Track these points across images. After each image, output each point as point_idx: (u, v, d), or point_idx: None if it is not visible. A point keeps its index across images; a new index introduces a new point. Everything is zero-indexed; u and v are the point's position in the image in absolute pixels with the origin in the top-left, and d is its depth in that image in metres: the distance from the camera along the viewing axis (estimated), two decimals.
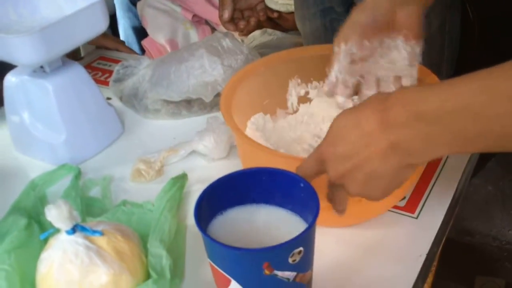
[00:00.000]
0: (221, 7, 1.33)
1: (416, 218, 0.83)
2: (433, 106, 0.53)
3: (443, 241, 0.86)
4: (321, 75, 0.84)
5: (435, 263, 1.03)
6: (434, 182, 0.88)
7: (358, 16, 0.76)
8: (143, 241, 0.77)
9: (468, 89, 0.52)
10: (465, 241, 1.81)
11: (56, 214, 0.68)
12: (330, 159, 0.62)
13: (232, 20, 1.39)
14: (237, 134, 0.77)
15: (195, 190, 0.91)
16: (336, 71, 0.78)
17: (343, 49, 0.76)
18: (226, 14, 1.29)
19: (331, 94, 0.80)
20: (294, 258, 0.57)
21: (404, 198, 0.85)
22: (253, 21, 1.34)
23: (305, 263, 0.60)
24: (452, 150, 0.58)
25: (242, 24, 1.35)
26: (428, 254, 0.77)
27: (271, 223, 0.66)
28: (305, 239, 0.58)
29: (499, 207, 1.90)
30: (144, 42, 1.79)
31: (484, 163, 1.62)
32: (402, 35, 0.74)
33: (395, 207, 0.84)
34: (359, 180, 0.60)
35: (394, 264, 0.77)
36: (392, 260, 0.77)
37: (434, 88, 0.55)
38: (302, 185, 0.63)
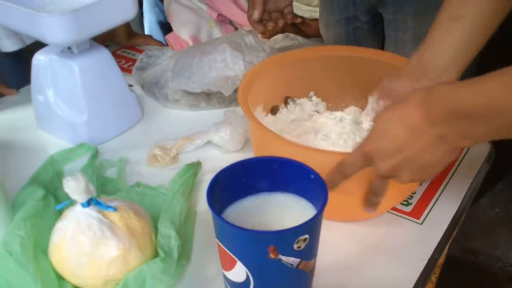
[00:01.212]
0: (251, 7, 1.35)
1: (421, 224, 0.84)
2: (466, 104, 0.60)
3: (445, 250, 0.87)
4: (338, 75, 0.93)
5: (436, 274, 1.04)
6: (441, 192, 0.89)
7: (383, 82, 0.84)
8: (154, 221, 0.79)
9: (493, 85, 0.58)
10: (469, 260, 1.82)
11: (74, 186, 0.70)
12: (378, 155, 0.68)
13: (261, 21, 1.42)
14: (252, 120, 0.79)
15: (208, 180, 0.91)
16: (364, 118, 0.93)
17: (370, 100, 0.89)
18: (256, 15, 1.31)
19: None
20: (299, 244, 0.59)
21: (410, 204, 0.87)
22: (281, 23, 1.35)
23: (310, 251, 0.62)
24: (489, 138, 0.67)
25: (270, 25, 1.36)
26: (429, 260, 0.79)
27: (283, 210, 0.68)
28: (311, 227, 0.60)
29: (505, 229, 1.90)
30: (168, 37, 1.82)
31: (493, 185, 1.63)
32: None
33: (401, 211, 0.86)
34: (412, 170, 0.67)
35: (395, 266, 0.78)
36: (394, 262, 0.79)
37: (467, 86, 0.61)
38: (312, 176, 0.64)
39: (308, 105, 0.97)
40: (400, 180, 0.69)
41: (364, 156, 0.70)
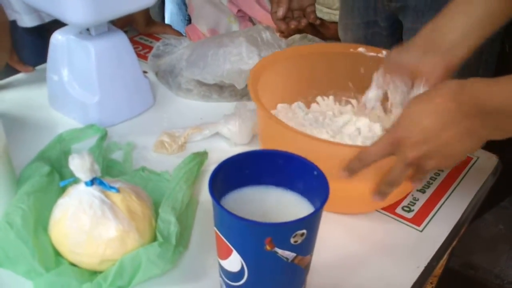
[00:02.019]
0: (275, 4, 1.34)
1: (421, 231, 0.84)
2: (497, 101, 0.64)
3: (443, 261, 0.87)
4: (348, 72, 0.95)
5: (432, 284, 1.04)
6: (444, 201, 0.89)
7: (390, 55, 0.85)
8: (156, 206, 0.80)
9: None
10: (468, 274, 1.81)
11: (79, 164, 0.71)
12: (407, 143, 0.70)
13: (284, 19, 1.41)
14: (261, 110, 0.80)
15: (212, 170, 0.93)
16: (367, 96, 0.90)
17: (375, 77, 0.88)
18: (281, 12, 1.31)
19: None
20: (296, 239, 0.59)
21: (412, 210, 0.87)
22: (304, 22, 1.35)
23: (306, 247, 0.62)
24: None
25: (293, 24, 1.36)
26: (426, 267, 0.79)
27: (282, 205, 0.68)
28: (310, 223, 0.60)
29: (507, 247, 1.89)
30: (187, 29, 1.83)
31: (498, 201, 1.62)
32: (423, 83, 0.81)
33: (403, 217, 0.86)
34: (439, 158, 0.70)
35: (391, 269, 0.78)
36: (390, 266, 0.79)
37: (498, 83, 0.64)
38: (315, 172, 0.65)
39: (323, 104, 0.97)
40: (424, 169, 0.72)
41: (392, 144, 0.71)
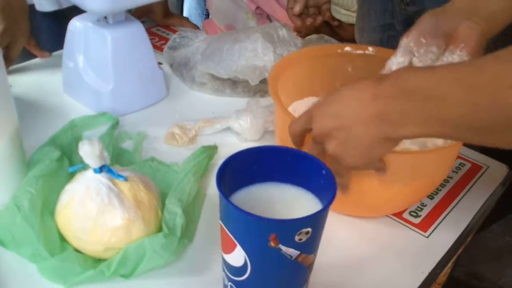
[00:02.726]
0: (292, 0, 1.34)
1: (427, 237, 0.84)
2: (413, 84, 0.59)
3: (447, 268, 0.87)
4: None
5: None
6: (452, 209, 0.89)
7: (425, 18, 0.81)
8: (163, 197, 0.80)
9: (443, 75, 0.58)
10: (472, 284, 1.80)
11: (88, 150, 0.71)
12: (318, 115, 0.67)
13: (300, 16, 1.41)
14: (279, 105, 0.80)
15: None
16: (391, 61, 0.84)
17: (403, 43, 0.83)
18: (298, 8, 1.30)
19: None
20: (301, 237, 0.59)
21: (419, 216, 0.87)
22: (319, 19, 1.34)
23: (311, 246, 0.62)
24: (421, 131, 0.61)
25: (309, 21, 1.35)
26: (430, 273, 0.78)
27: (291, 202, 0.68)
28: (315, 222, 0.60)
29: None
30: (204, 23, 1.83)
31: (506, 213, 1.61)
32: (459, 48, 0.78)
33: (409, 222, 0.86)
34: (339, 140, 0.66)
35: (394, 273, 0.78)
36: (394, 269, 0.78)
37: (425, 69, 0.60)
38: (324, 172, 0.64)
39: None
40: (326, 148, 0.68)
41: (307, 115, 0.69)
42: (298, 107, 0.92)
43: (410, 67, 0.61)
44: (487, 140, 0.59)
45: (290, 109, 0.92)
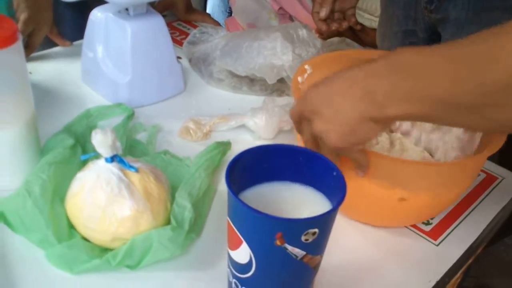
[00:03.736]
0: (318, 5, 1.33)
1: (437, 246, 0.83)
2: (401, 59, 0.59)
3: (456, 279, 0.86)
4: None
5: None
6: (464, 218, 0.88)
7: None
8: (173, 191, 0.80)
9: (431, 50, 0.57)
10: None
11: (101, 140, 0.71)
12: (310, 94, 0.67)
13: (325, 20, 1.40)
14: None
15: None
16: None
17: None
18: (324, 13, 1.29)
19: None
20: (307, 237, 0.59)
21: (431, 223, 0.86)
22: (345, 25, 1.34)
23: (317, 247, 0.61)
24: (404, 110, 0.60)
25: (334, 26, 1.35)
26: (437, 282, 0.77)
27: (301, 202, 0.67)
28: (322, 223, 0.59)
29: None
30: (227, 21, 1.84)
31: None
32: None
33: (420, 229, 0.85)
34: (326, 117, 0.65)
35: (402, 280, 0.77)
36: (401, 276, 0.78)
37: (420, 47, 0.59)
38: (334, 173, 0.64)
39: None
40: (312, 126, 0.67)
41: (302, 95, 0.69)
42: None
43: (408, 47, 0.60)
44: (472, 120, 0.58)
45: None
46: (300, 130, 0.72)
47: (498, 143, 0.74)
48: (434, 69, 0.56)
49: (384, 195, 0.75)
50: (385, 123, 0.65)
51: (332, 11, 1.39)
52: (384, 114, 0.61)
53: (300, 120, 0.71)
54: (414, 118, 0.62)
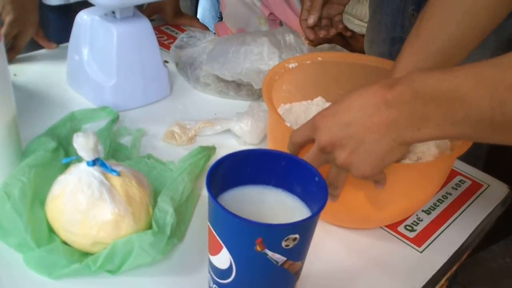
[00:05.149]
0: (306, 12, 1.32)
1: (421, 252, 0.82)
2: (430, 86, 0.58)
3: (440, 284, 0.85)
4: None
5: None
6: (448, 225, 0.87)
7: None
8: (156, 195, 0.79)
9: (462, 73, 0.56)
10: None
11: (83, 143, 0.70)
12: (325, 125, 0.65)
13: (313, 28, 1.40)
14: (271, 109, 0.79)
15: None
16: None
17: None
18: (312, 20, 1.28)
19: None
20: (288, 243, 0.58)
21: (415, 230, 0.85)
22: (332, 32, 1.33)
23: (298, 252, 0.61)
24: (441, 133, 0.59)
25: (322, 33, 1.34)
26: None
27: (281, 208, 0.67)
28: (303, 228, 0.59)
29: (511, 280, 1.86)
30: (217, 25, 1.82)
31: (507, 234, 1.59)
32: None
33: (404, 236, 0.84)
34: (351, 149, 0.64)
35: (384, 287, 0.77)
36: (384, 283, 0.77)
37: (439, 71, 0.58)
38: (316, 179, 0.63)
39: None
40: (335, 158, 0.65)
41: (312, 125, 0.66)
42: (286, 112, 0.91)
43: (421, 71, 0.59)
44: (509, 138, 0.57)
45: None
46: (297, 154, 0.70)
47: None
48: (467, 94, 0.55)
49: (359, 197, 0.75)
50: (413, 143, 0.65)
51: (319, 18, 1.39)
52: (417, 137, 0.61)
53: (304, 144, 0.70)
54: (447, 138, 0.61)
